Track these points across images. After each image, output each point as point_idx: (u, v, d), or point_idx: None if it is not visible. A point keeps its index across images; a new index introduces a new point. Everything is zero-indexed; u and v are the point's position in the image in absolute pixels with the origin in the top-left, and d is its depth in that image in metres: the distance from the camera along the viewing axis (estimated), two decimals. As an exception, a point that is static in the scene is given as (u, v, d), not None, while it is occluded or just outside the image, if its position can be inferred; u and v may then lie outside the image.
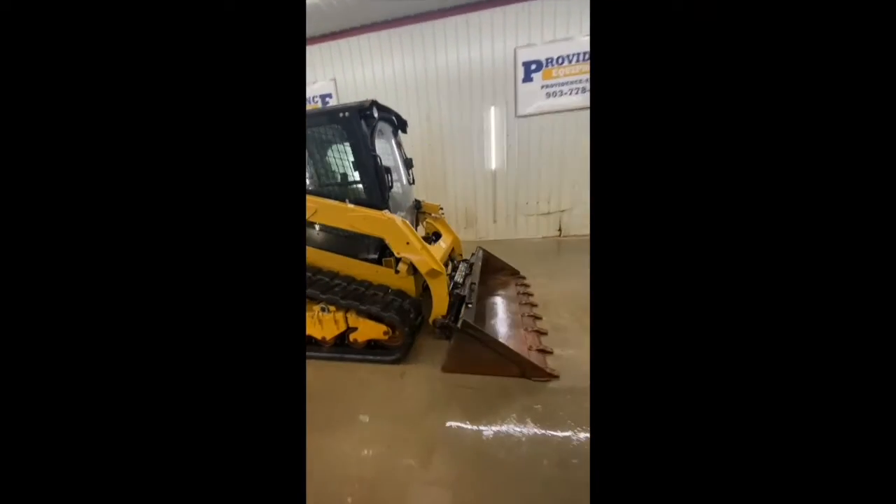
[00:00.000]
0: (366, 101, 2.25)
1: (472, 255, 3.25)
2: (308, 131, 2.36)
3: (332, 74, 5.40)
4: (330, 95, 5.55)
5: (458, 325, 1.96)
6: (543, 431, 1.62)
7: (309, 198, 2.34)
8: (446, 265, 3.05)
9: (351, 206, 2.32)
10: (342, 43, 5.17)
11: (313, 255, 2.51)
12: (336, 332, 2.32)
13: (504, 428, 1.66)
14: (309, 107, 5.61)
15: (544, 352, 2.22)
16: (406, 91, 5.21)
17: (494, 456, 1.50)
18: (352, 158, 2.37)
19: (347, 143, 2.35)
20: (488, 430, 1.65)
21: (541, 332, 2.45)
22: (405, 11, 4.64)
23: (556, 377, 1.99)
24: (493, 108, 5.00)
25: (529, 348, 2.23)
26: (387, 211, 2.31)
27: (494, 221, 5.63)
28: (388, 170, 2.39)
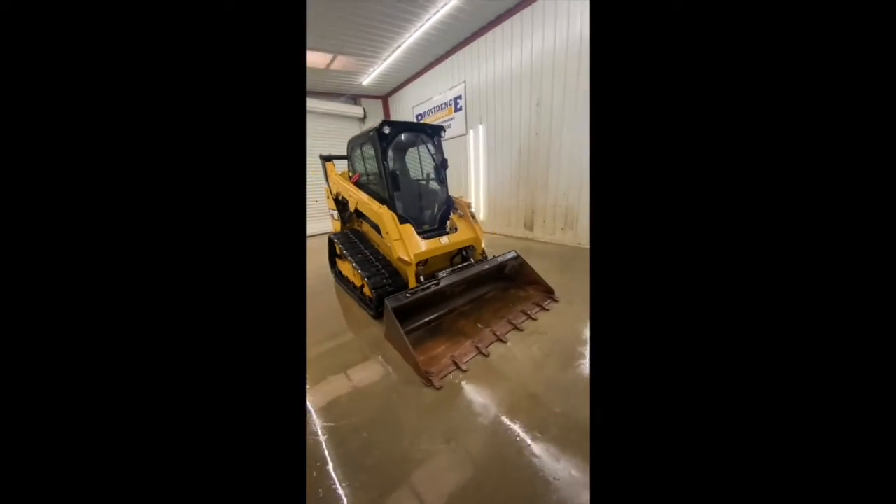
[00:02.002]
0: (381, 122, 2.83)
1: (495, 257, 3.11)
2: (359, 147, 3.31)
3: (463, 77, 6.12)
4: (460, 97, 6.33)
5: (383, 306, 2.30)
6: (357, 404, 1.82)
7: (357, 189, 3.31)
8: (454, 257, 3.26)
9: (368, 198, 3.07)
10: (471, 46, 5.71)
11: (367, 230, 3.52)
12: (360, 283, 3.25)
13: (361, 374, 2.12)
14: (445, 112, 6.72)
15: (458, 366, 2.09)
16: (521, 78, 5.05)
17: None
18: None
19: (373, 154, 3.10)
20: (356, 372, 2.15)
21: (483, 353, 2.23)
22: (521, -5, 4.45)
23: (438, 388, 1.91)
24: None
25: (453, 357, 2.17)
26: (387, 206, 2.89)
27: (598, 226, 4.49)
28: (394, 175, 2.93)
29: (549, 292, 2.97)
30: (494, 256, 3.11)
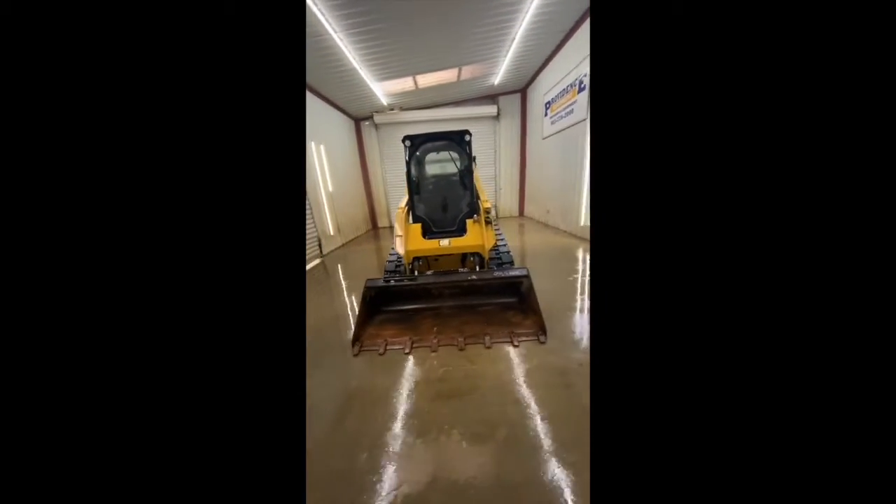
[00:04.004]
0: (403, 137, 3.20)
1: (502, 270, 2.86)
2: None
3: (586, 52, 5.07)
4: (586, 74, 5.32)
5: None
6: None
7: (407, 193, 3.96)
8: (464, 260, 3.34)
9: (403, 202, 3.58)
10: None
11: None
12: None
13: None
14: (569, 95, 5.80)
15: (388, 345, 2.40)
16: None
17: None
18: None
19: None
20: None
21: (433, 350, 2.35)
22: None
23: (354, 354, 2.40)
24: None
25: (390, 340, 2.49)
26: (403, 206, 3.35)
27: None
28: (416, 181, 3.29)
29: (540, 330, 2.44)
30: (502, 269, 2.84)
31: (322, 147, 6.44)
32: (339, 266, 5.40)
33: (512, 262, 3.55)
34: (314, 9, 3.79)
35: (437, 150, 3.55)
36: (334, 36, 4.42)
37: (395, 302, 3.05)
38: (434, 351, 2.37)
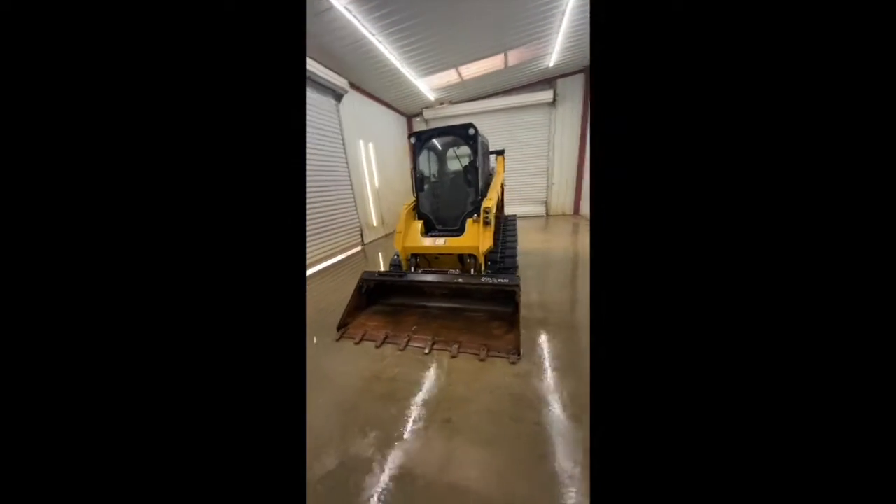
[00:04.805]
0: (410, 134, 3.17)
1: (492, 277, 2.64)
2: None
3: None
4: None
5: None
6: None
7: None
8: (463, 262, 3.21)
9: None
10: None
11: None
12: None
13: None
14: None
15: (364, 336, 2.48)
16: None
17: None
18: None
19: None
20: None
21: (400, 349, 2.38)
22: None
23: (335, 340, 2.52)
24: None
25: (369, 331, 2.58)
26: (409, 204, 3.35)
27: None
28: (420, 178, 3.26)
29: (514, 349, 2.18)
30: (494, 275, 2.63)
31: (371, 145, 6.96)
32: (379, 254, 5.83)
33: (515, 269, 3.25)
34: (349, 16, 4.07)
35: (446, 146, 3.45)
36: (372, 39, 4.67)
37: (388, 296, 3.16)
38: (401, 350, 2.39)
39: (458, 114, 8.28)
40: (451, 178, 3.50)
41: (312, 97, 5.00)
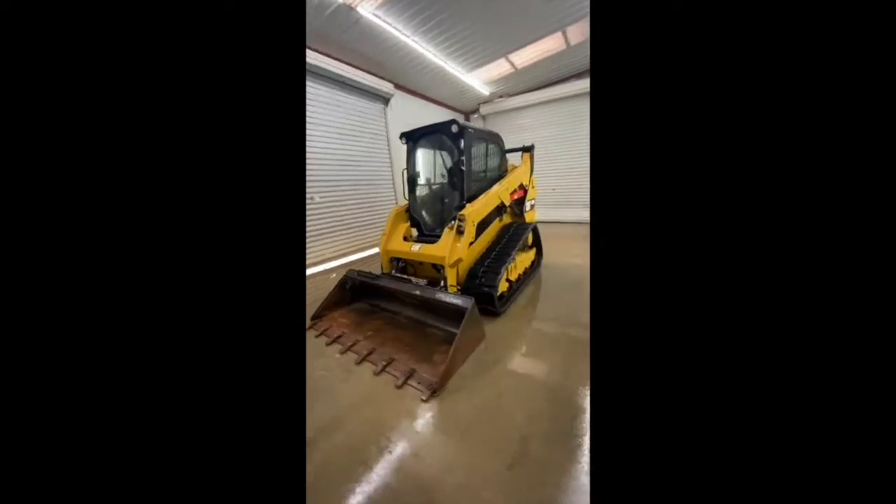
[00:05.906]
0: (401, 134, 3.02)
1: (448, 293, 2.33)
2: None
3: None
4: None
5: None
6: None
7: None
8: (438, 270, 2.97)
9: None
10: None
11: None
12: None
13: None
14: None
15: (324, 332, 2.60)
16: None
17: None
18: None
19: None
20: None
21: (341, 352, 2.41)
22: None
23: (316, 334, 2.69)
24: None
25: (339, 330, 2.67)
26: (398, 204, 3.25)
27: None
28: (412, 178, 3.14)
29: (434, 385, 1.86)
30: (451, 291, 2.34)
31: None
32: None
33: (492, 296, 2.80)
34: (381, 22, 4.22)
35: (435, 146, 3.22)
36: (407, 40, 4.74)
37: (371, 296, 3.21)
38: (342, 353, 2.38)
39: (517, 106, 7.64)
40: (441, 181, 3.28)
41: (357, 103, 5.43)
